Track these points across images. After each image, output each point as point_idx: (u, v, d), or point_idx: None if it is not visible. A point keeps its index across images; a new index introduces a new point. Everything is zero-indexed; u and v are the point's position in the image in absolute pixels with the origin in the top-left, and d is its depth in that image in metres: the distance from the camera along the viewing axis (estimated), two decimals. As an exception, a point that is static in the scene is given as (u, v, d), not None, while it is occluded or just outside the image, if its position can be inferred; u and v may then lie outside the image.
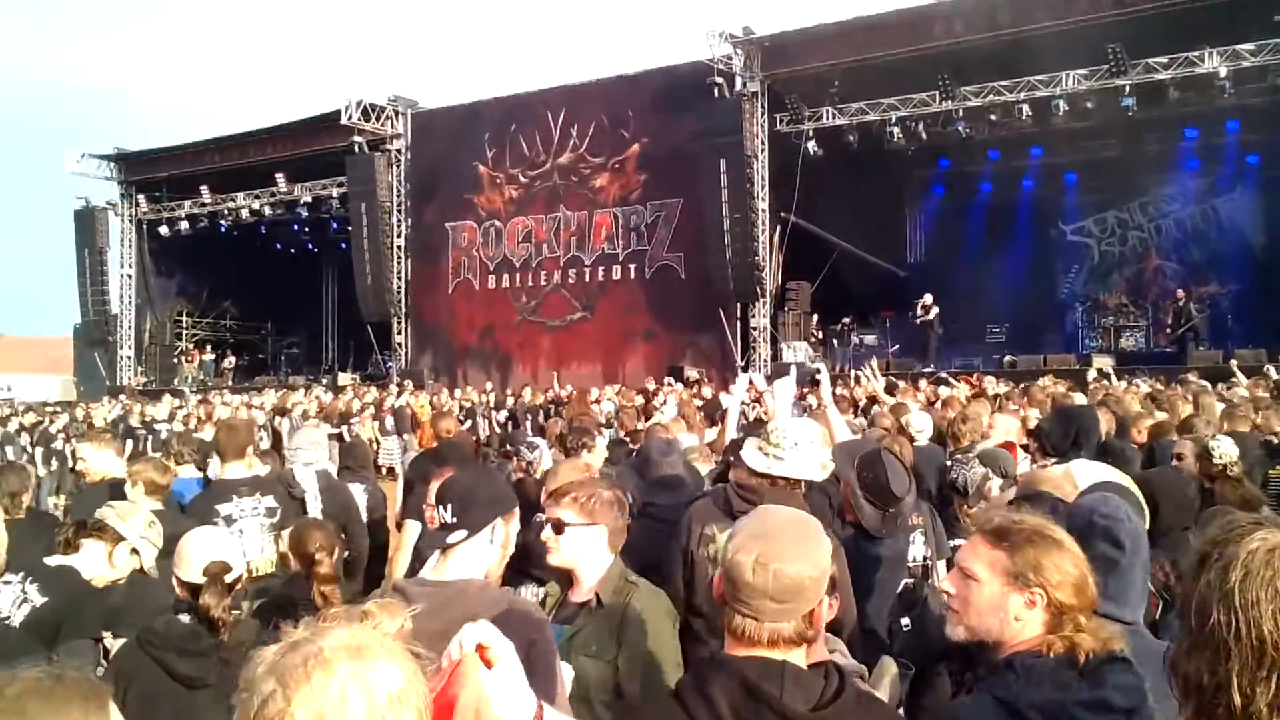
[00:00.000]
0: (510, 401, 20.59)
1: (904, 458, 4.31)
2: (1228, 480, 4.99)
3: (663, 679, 3.06)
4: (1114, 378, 15.24)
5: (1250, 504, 4.47)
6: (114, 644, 3.82)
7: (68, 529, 3.95)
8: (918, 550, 4.59)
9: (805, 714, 2.04)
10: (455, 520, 2.84)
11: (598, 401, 18.24)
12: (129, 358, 32.05)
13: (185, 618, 3.21)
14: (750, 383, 6.23)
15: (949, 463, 5.41)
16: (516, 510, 3.03)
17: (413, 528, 5.79)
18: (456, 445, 7.41)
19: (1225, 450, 5.16)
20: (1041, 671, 2.16)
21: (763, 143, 22.23)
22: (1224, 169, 24.51)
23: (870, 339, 24.00)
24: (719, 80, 21.82)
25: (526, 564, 3.76)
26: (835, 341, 23.90)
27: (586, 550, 3.29)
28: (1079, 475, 3.74)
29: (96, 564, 3.97)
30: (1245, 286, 24.45)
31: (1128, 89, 19.11)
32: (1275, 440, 6.95)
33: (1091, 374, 16.14)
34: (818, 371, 4.80)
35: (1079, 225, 27.44)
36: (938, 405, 12.03)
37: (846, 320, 24.05)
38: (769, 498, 3.74)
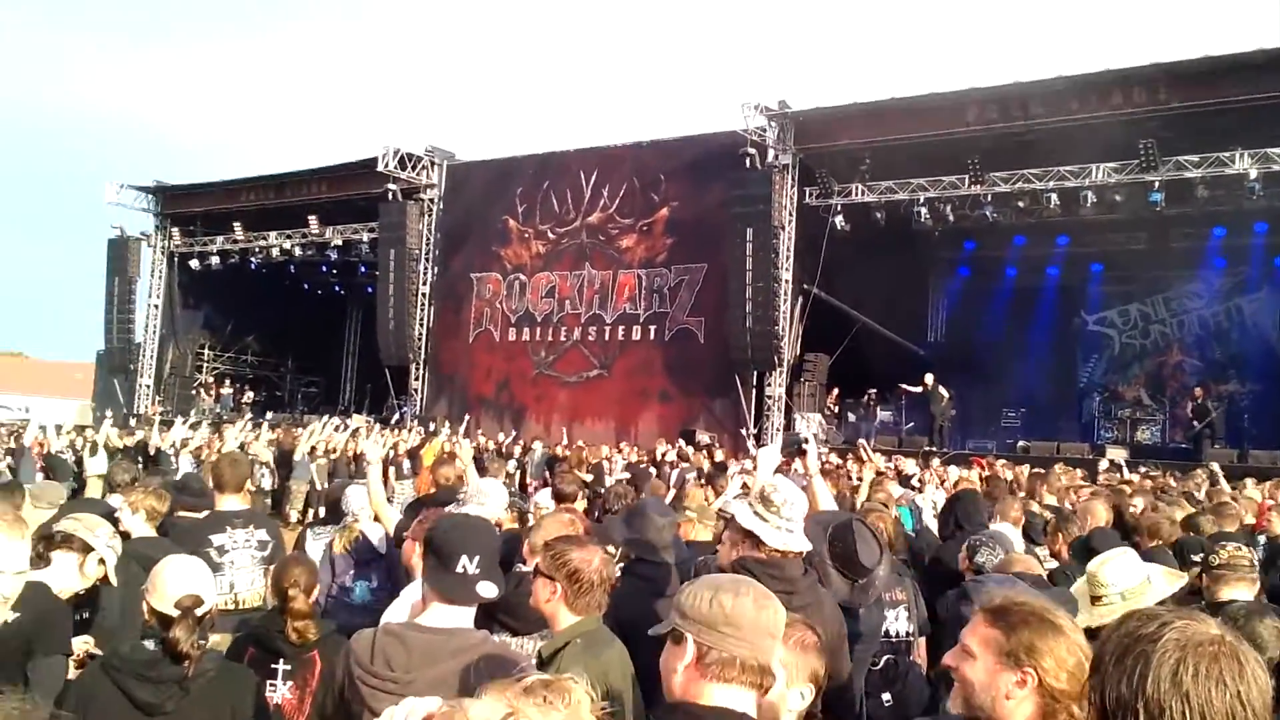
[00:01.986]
0: (518, 452, 20.60)
1: (881, 531, 4.27)
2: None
3: None
4: (1126, 470, 15.10)
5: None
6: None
7: (37, 543, 3.98)
8: (900, 625, 4.56)
9: None
10: (479, 573, 2.88)
11: (609, 459, 18.26)
12: (148, 387, 32.31)
13: (150, 644, 3.22)
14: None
15: (974, 543, 5.36)
16: None
17: None
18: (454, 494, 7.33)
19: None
20: None
21: (790, 214, 22.35)
22: (1250, 269, 24.49)
23: (886, 415, 23.95)
24: (751, 151, 22.05)
25: (496, 610, 3.78)
26: (850, 415, 23.85)
27: (548, 604, 3.31)
28: (1108, 570, 3.62)
29: (68, 576, 3.99)
30: (1265, 387, 24.30)
31: (1157, 184, 19.15)
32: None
33: (1103, 464, 16.01)
34: (804, 441, 4.74)
35: (1101, 316, 27.40)
36: (949, 484, 11.99)
37: (872, 392, 24.00)
38: (793, 573, 3.58)
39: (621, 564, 4.43)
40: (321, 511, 12.29)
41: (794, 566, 3.65)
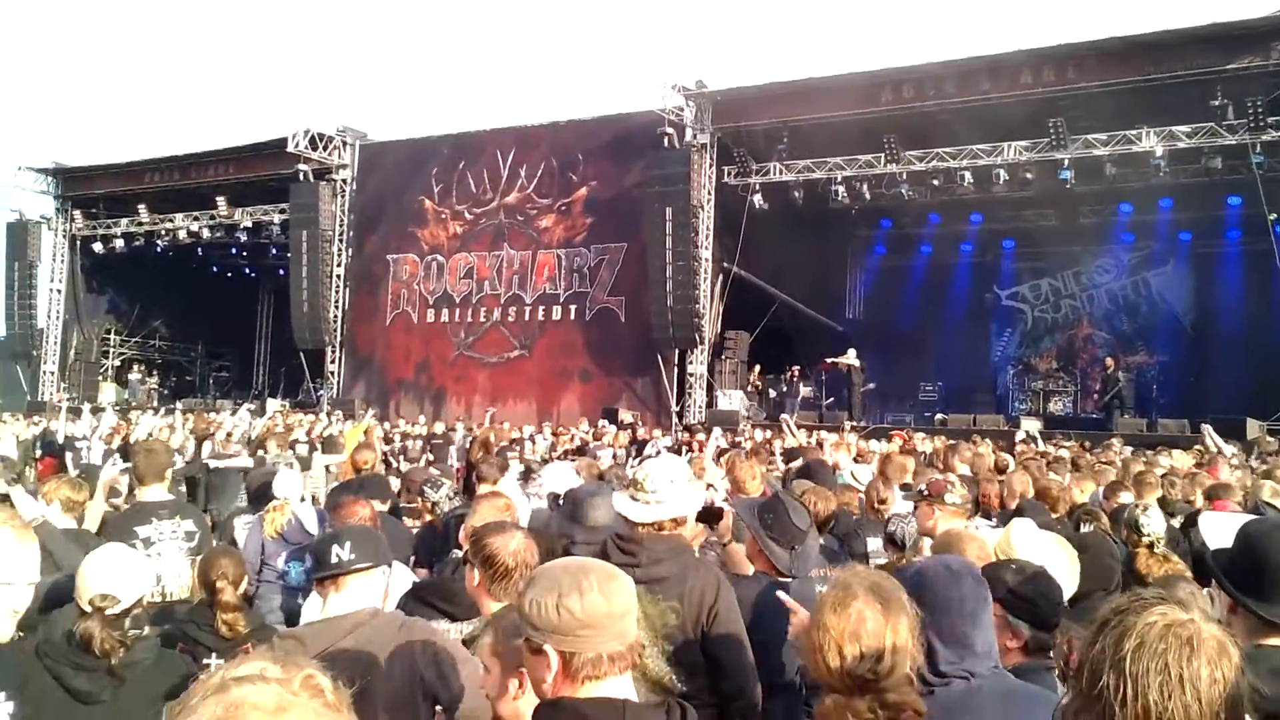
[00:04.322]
0: (439, 430, 20.38)
1: (811, 504, 4.33)
2: (1152, 555, 5.01)
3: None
4: (1040, 441, 15.43)
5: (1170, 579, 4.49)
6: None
7: None
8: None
9: None
10: (354, 557, 3.17)
11: (532, 439, 18.18)
12: (53, 374, 31.30)
13: (83, 633, 3.13)
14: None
15: (888, 518, 5.51)
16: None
17: None
18: (377, 480, 7.23)
19: (1153, 527, 5.16)
20: None
21: (709, 193, 22.37)
22: (1156, 244, 25.23)
23: (807, 391, 24.17)
24: (670, 130, 21.97)
25: (433, 597, 3.74)
26: (772, 391, 24.03)
27: (474, 590, 3.24)
28: (1016, 539, 3.87)
29: None
30: (1172, 358, 25.13)
31: (1066, 162, 19.55)
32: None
33: (1019, 435, 16.36)
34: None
35: (1014, 291, 28.02)
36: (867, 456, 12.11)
37: (794, 369, 24.14)
38: (653, 546, 3.65)
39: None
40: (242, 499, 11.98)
41: (656, 540, 3.68)
